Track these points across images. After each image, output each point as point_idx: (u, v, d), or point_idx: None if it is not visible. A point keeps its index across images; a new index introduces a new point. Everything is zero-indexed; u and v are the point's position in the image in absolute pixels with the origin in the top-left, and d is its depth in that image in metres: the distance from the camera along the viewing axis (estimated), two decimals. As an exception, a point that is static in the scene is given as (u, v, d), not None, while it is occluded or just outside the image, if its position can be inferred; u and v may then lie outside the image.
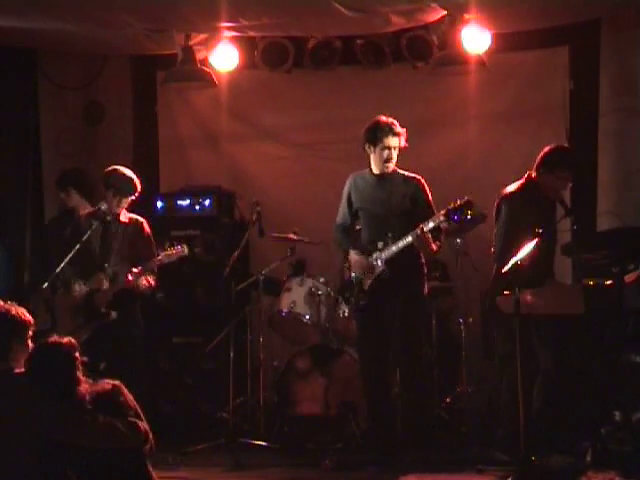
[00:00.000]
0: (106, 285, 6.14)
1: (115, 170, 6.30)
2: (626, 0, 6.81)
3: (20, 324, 4.29)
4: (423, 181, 6.08)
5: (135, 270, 6.10)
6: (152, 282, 6.21)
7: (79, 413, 4.06)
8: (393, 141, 5.97)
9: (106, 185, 6.26)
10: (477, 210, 5.82)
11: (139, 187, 6.28)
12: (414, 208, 5.98)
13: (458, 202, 5.65)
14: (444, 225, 5.80)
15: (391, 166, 6.04)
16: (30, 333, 4.34)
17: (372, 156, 6.06)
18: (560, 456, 5.56)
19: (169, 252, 6.20)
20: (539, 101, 7.52)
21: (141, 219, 6.39)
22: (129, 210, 6.38)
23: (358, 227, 6.22)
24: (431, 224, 5.74)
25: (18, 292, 7.06)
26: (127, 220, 6.32)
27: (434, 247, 5.85)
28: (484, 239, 6.31)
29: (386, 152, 5.98)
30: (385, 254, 5.92)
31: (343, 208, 6.24)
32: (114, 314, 6.06)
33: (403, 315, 5.94)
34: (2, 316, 4.26)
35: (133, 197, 6.29)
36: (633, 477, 5.07)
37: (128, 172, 6.30)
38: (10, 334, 4.26)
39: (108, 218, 6.23)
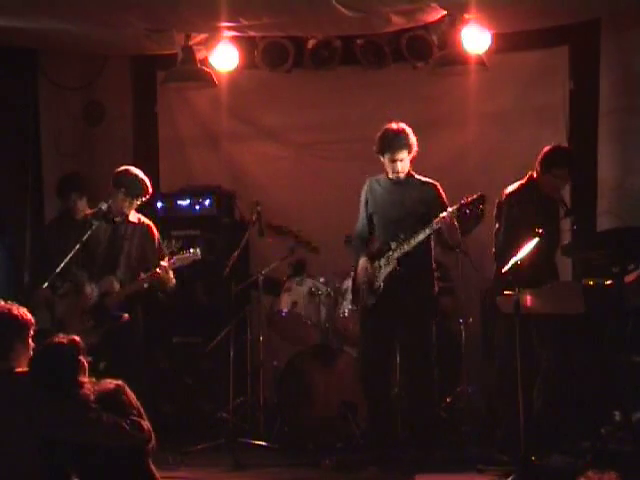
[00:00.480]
0: (117, 287, 6.10)
1: (127, 170, 6.22)
2: (626, 0, 6.82)
3: (21, 324, 4.29)
4: (439, 185, 6.06)
5: (164, 264, 6.04)
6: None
7: (83, 412, 4.06)
8: (400, 155, 5.94)
9: (117, 184, 6.17)
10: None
11: (150, 190, 6.25)
12: (428, 212, 5.91)
13: (468, 198, 5.68)
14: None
15: (402, 175, 6.02)
16: (31, 332, 4.34)
17: (384, 163, 6.05)
18: (560, 456, 5.56)
19: (182, 256, 6.14)
20: (539, 101, 7.51)
21: (148, 221, 6.32)
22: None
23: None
24: (445, 214, 5.74)
25: (18, 292, 7.06)
26: (136, 220, 6.27)
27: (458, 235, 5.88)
28: (484, 239, 6.31)
29: (392, 165, 5.97)
30: (398, 253, 5.89)
31: (361, 214, 6.20)
32: (126, 317, 6.03)
33: (412, 316, 5.94)
34: (3, 316, 4.26)
35: (144, 199, 6.25)
36: (633, 477, 5.06)
37: (141, 173, 6.24)
38: (12, 334, 4.26)
39: (117, 219, 6.17)
